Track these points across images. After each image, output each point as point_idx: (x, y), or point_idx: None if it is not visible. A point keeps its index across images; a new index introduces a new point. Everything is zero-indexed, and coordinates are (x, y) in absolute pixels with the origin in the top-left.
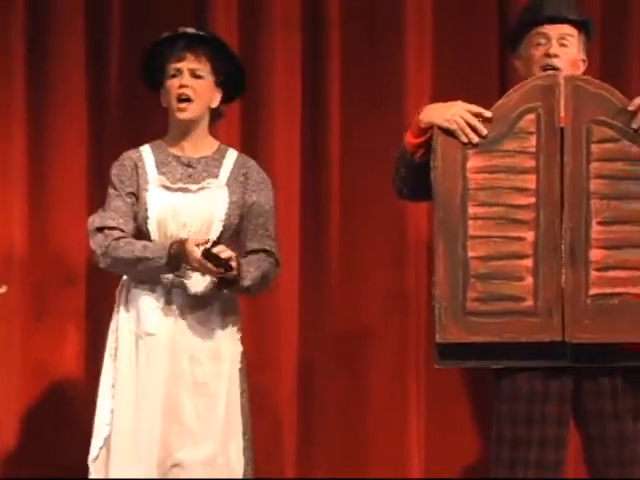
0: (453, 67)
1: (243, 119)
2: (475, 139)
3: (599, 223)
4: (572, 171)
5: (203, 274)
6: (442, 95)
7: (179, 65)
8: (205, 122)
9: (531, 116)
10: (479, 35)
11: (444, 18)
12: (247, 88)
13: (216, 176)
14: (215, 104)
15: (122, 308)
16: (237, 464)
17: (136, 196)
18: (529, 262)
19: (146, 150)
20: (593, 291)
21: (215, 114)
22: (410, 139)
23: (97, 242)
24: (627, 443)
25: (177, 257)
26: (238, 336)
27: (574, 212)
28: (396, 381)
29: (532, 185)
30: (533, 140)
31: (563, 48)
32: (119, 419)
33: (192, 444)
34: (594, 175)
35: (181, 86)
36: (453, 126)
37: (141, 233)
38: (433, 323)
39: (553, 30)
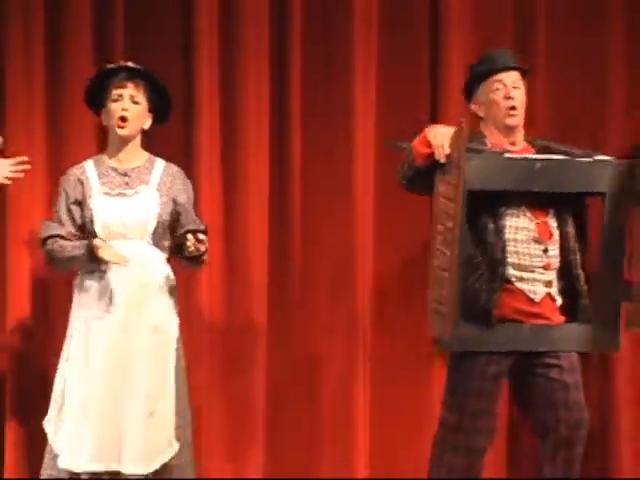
0: (392, 95)
1: (223, 131)
2: (442, 158)
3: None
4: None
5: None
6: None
7: (121, 91)
8: (138, 139)
9: (455, 154)
10: (412, 68)
11: (388, 56)
12: (170, 116)
13: (147, 182)
14: (147, 126)
15: (76, 296)
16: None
17: (81, 204)
18: (445, 273)
19: (89, 164)
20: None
21: (144, 133)
22: (419, 148)
23: (44, 251)
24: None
25: (92, 254)
26: (176, 310)
27: None
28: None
29: (452, 211)
30: (454, 173)
31: (516, 90)
32: (70, 385)
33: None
34: None
35: (122, 109)
36: (433, 144)
37: (89, 233)
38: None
39: (507, 77)
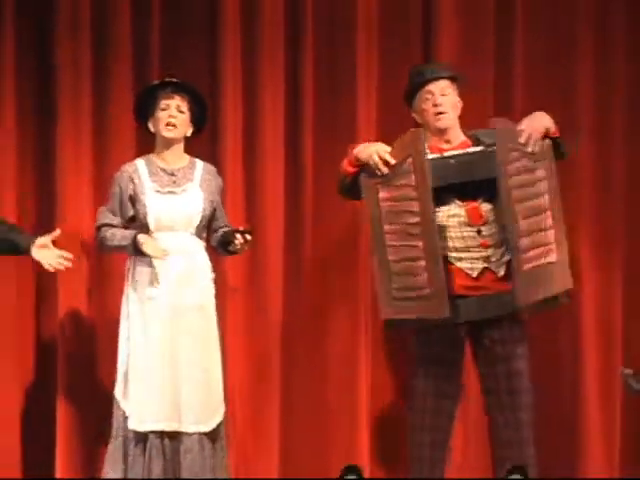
0: (393, 105)
1: (244, 137)
2: (385, 170)
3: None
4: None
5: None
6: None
7: (169, 102)
8: (182, 143)
9: (409, 159)
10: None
11: (387, 72)
12: (206, 126)
13: (192, 180)
14: (189, 134)
15: (129, 279)
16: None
17: (133, 199)
18: (423, 262)
19: (140, 163)
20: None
21: (186, 140)
22: (347, 168)
23: (97, 237)
24: (514, 375)
25: (136, 246)
26: (214, 291)
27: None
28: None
29: (416, 209)
30: (412, 177)
31: (444, 97)
32: (133, 361)
33: (193, 373)
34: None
35: (170, 116)
36: (371, 161)
37: (141, 225)
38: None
39: (435, 87)
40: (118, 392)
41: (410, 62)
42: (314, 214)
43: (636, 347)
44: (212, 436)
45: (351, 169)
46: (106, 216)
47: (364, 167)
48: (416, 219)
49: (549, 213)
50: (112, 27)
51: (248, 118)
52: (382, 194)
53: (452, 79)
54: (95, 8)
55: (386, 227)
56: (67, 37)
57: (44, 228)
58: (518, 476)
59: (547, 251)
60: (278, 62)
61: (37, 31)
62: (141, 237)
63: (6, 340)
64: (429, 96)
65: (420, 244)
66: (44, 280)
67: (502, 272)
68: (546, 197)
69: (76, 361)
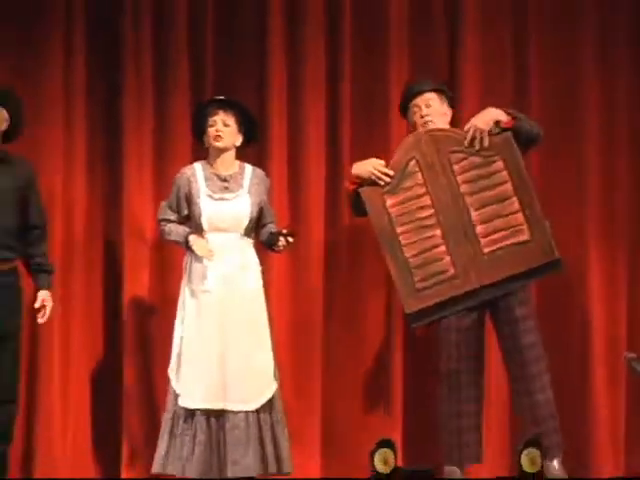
0: None
1: (290, 147)
2: (387, 180)
3: (475, 210)
4: (448, 184)
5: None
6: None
7: (215, 118)
8: (232, 152)
9: (412, 162)
10: None
11: None
12: (259, 137)
13: (242, 186)
14: (238, 144)
15: (186, 273)
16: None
17: (189, 199)
18: (443, 247)
19: (198, 167)
20: (485, 250)
21: (237, 148)
22: (349, 187)
23: (159, 229)
24: (525, 341)
25: (188, 245)
26: (261, 283)
27: (458, 207)
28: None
29: (428, 202)
30: (419, 175)
31: (430, 108)
32: (186, 345)
33: (243, 351)
34: (462, 182)
35: (216, 131)
36: (372, 177)
37: (196, 224)
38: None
39: (420, 100)
40: (171, 372)
41: (436, 74)
42: (350, 212)
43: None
44: (262, 413)
45: (352, 187)
46: (165, 212)
47: (364, 183)
48: (430, 211)
49: (514, 199)
50: (170, 52)
51: (292, 128)
52: (389, 201)
53: (436, 91)
54: (155, 37)
55: (399, 229)
56: (131, 62)
57: (113, 229)
58: (534, 449)
59: (514, 232)
60: (319, 78)
61: (105, 58)
62: (191, 238)
63: (78, 322)
64: (416, 109)
65: (437, 232)
66: (112, 268)
67: None
68: (508, 185)
69: (140, 341)
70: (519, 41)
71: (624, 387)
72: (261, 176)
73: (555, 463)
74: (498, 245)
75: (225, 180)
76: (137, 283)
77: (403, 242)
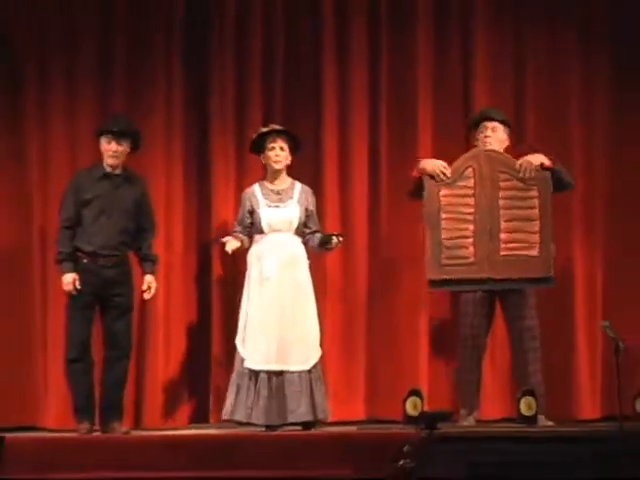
0: (444, 132)
1: (340, 166)
2: (444, 179)
3: (504, 220)
4: (491, 195)
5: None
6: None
7: (273, 144)
8: (285, 171)
9: (469, 169)
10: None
11: (441, 116)
12: (301, 150)
13: (292, 198)
14: (289, 162)
15: (251, 263)
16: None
17: (252, 212)
18: (471, 240)
19: (256, 187)
20: (502, 253)
21: (288, 167)
22: (414, 174)
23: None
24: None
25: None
26: (309, 273)
27: (492, 214)
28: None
29: (472, 202)
30: (472, 181)
31: (494, 133)
32: (252, 318)
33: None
34: (502, 197)
35: (275, 155)
36: (434, 172)
37: (259, 230)
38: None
39: (489, 124)
40: (238, 339)
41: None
42: (388, 217)
43: (612, 306)
44: (311, 373)
45: (417, 175)
46: (236, 225)
47: (426, 175)
48: (470, 210)
49: (537, 222)
50: (246, 91)
51: (341, 145)
52: (443, 192)
53: (503, 122)
54: (236, 77)
55: (443, 215)
56: (216, 95)
57: (204, 229)
58: (530, 397)
59: (529, 246)
60: (362, 104)
61: (197, 101)
62: (226, 238)
63: (177, 300)
64: (484, 129)
65: (471, 227)
66: (204, 259)
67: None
68: (536, 211)
69: (223, 317)
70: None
71: (601, 348)
72: (307, 190)
73: (541, 417)
74: (513, 252)
75: (279, 193)
76: (221, 272)
77: (443, 225)
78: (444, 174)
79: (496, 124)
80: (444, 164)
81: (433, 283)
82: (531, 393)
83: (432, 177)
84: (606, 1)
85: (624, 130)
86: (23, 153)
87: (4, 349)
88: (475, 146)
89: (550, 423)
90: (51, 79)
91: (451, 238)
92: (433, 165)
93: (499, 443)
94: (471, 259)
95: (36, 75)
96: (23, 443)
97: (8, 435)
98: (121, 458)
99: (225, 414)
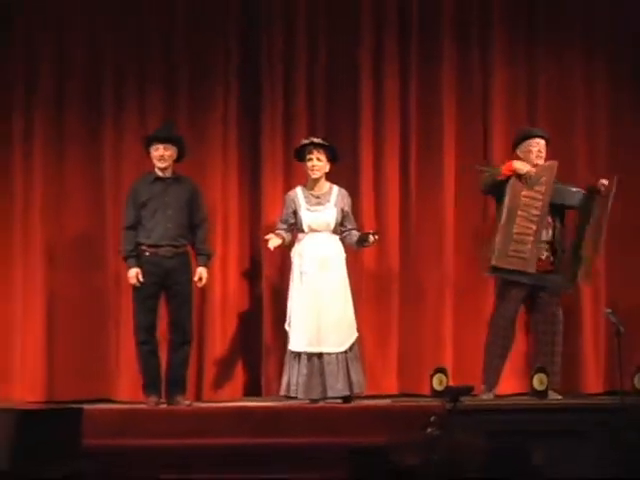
0: (466, 154)
1: (374, 172)
2: (529, 182)
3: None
4: (547, 203)
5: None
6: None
7: (311, 155)
8: (324, 177)
9: (544, 178)
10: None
11: (465, 129)
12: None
13: (330, 201)
14: (327, 170)
15: (294, 259)
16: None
17: (295, 213)
18: (531, 238)
19: (299, 190)
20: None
21: (326, 173)
22: (506, 172)
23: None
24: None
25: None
26: (346, 267)
27: (543, 222)
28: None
29: (539, 205)
30: (544, 188)
31: (543, 149)
32: (295, 307)
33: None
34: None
35: (313, 166)
36: (528, 174)
37: (300, 230)
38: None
39: (539, 141)
40: (287, 325)
41: (472, 123)
42: (417, 215)
43: (615, 295)
44: (347, 354)
45: (507, 174)
46: (279, 224)
47: (515, 175)
48: (538, 212)
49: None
50: (292, 108)
51: (376, 155)
52: (524, 192)
53: (546, 140)
54: (284, 97)
55: (519, 212)
56: (267, 109)
57: (255, 227)
58: (542, 374)
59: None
60: (395, 119)
61: (249, 105)
62: (269, 235)
63: (233, 288)
64: (535, 145)
65: (534, 227)
66: (254, 253)
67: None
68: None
69: (274, 304)
70: None
71: (604, 332)
72: (344, 193)
73: (551, 392)
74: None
75: (318, 197)
76: (271, 267)
77: (517, 221)
78: (531, 177)
79: (542, 141)
80: (534, 170)
81: (494, 269)
82: (543, 370)
83: (519, 178)
84: (607, 22)
85: (624, 130)
86: (100, 159)
87: (84, 331)
88: (519, 157)
89: (559, 397)
90: (125, 102)
91: (520, 234)
92: (527, 169)
93: (514, 414)
94: (527, 254)
95: (112, 95)
96: (99, 414)
97: (86, 406)
98: (184, 426)
99: (282, 390)
